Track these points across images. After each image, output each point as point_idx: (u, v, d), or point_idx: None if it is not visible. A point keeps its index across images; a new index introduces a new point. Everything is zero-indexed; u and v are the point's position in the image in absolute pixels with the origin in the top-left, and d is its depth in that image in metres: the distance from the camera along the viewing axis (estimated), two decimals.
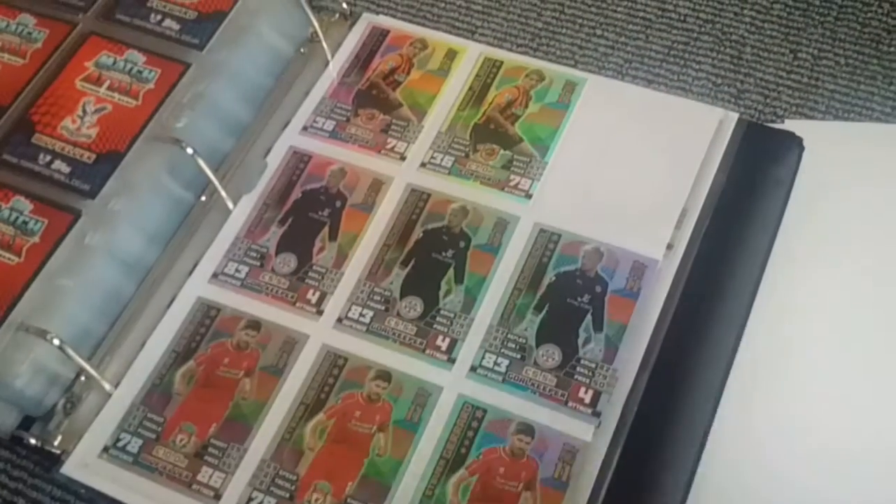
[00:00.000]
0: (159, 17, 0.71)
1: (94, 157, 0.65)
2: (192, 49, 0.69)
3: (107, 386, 0.61)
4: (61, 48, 0.70)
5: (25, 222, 0.63)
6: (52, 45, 0.70)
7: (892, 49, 0.73)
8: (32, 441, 0.59)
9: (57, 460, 0.59)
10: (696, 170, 0.66)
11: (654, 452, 0.56)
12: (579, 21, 0.76)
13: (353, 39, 0.75)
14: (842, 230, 0.65)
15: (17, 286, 0.60)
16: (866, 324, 0.61)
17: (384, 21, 0.76)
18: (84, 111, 0.67)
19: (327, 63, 0.74)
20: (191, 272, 0.65)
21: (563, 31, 0.76)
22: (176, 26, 0.70)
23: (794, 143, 0.67)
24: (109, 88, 0.67)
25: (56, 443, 0.59)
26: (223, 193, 0.66)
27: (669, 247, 0.63)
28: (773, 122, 0.70)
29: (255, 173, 0.69)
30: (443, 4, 0.78)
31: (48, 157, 0.65)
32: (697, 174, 0.66)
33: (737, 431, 0.58)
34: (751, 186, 0.65)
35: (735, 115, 0.68)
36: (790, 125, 0.69)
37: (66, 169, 0.65)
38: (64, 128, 0.66)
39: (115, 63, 0.69)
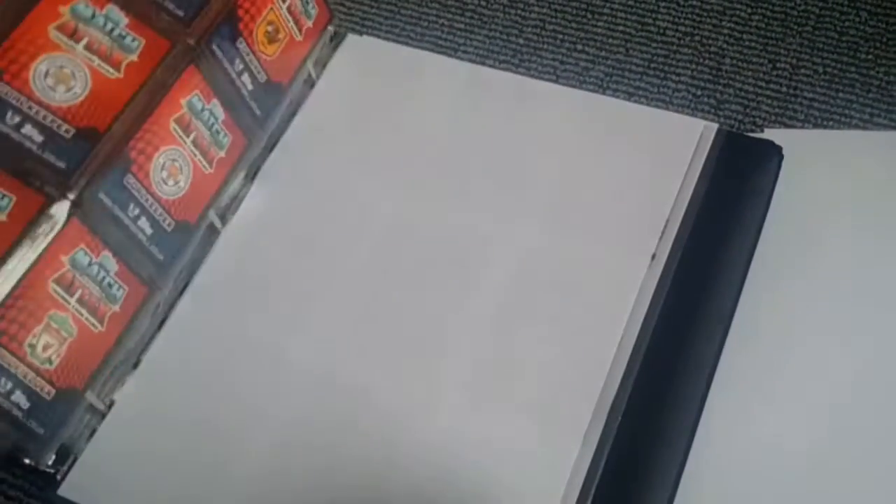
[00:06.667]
0: None
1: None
2: None
3: (101, 406, 0.62)
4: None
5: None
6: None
7: (869, 57, 0.73)
8: (27, 461, 0.60)
9: (52, 480, 0.60)
10: (678, 184, 0.66)
11: (635, 467, 0.57)
12: (560, 36, 0.77)
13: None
14: (822, 238, 0.65)
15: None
16: (847, 332, 0.61)
17: (370, 43, 0.77)
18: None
19: (313, 85, 0.75)
20: None
21: (545, 46, 0.77)
22: None
23: (773, 152, 0.68)
24: None
25: (50, 463, 0.60)
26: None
27: (652, 257, 0.64)
28: (752, 131, 0.71)
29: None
30: (426, 23, 0.79)
31: None
32: (679, 187, 0.66)
33: (719, 446, 0.58)
34: (731, 196, 0.66)
35: (715, 126, 0.69)
36: (769, 134, 0.70)
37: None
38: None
39: None
